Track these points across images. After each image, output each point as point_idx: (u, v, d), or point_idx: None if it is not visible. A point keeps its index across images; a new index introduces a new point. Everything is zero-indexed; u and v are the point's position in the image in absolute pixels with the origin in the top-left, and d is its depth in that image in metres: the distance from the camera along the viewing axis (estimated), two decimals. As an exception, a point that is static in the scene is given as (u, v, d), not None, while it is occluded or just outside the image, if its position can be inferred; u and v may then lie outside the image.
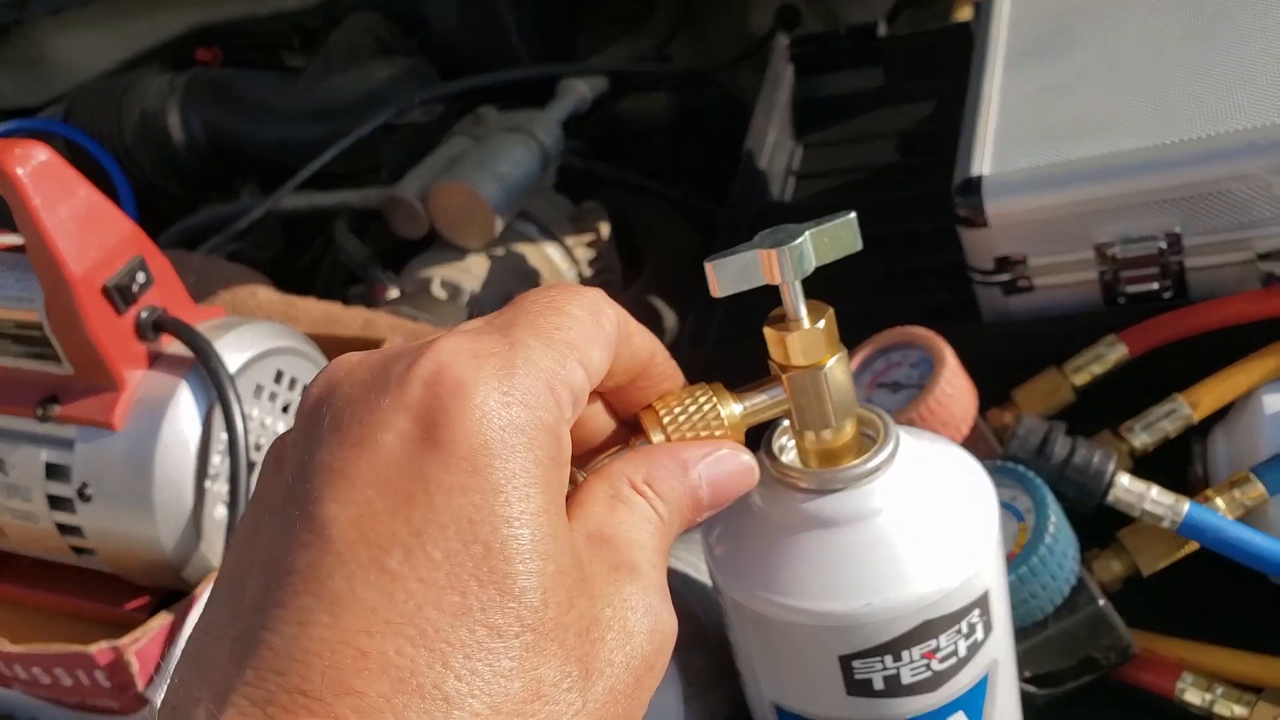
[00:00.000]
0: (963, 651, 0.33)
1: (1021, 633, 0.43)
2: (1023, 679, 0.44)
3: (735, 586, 0.34)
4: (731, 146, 0.81)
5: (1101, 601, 0.43)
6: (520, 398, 0.24)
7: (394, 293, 0.87)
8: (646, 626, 0.25)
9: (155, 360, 0.53)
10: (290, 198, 0.96)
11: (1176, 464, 0.50)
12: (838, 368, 0.31)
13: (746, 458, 0.30)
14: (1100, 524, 0.47)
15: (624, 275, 0.96)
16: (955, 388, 0.48)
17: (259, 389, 0.55)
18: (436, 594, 0.22)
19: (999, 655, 0.35)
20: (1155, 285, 0.54)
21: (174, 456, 0.51)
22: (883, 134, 0.80)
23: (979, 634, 0.34)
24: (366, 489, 0.23)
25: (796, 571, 0.32)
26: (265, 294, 0.77)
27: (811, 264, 0.30)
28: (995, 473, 0.45)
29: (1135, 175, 0.52)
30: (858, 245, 0.30)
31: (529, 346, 0.25)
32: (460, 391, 0.23)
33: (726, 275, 0.30)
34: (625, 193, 0.98)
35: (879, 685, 0.33)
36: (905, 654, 0.32)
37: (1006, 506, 0.44)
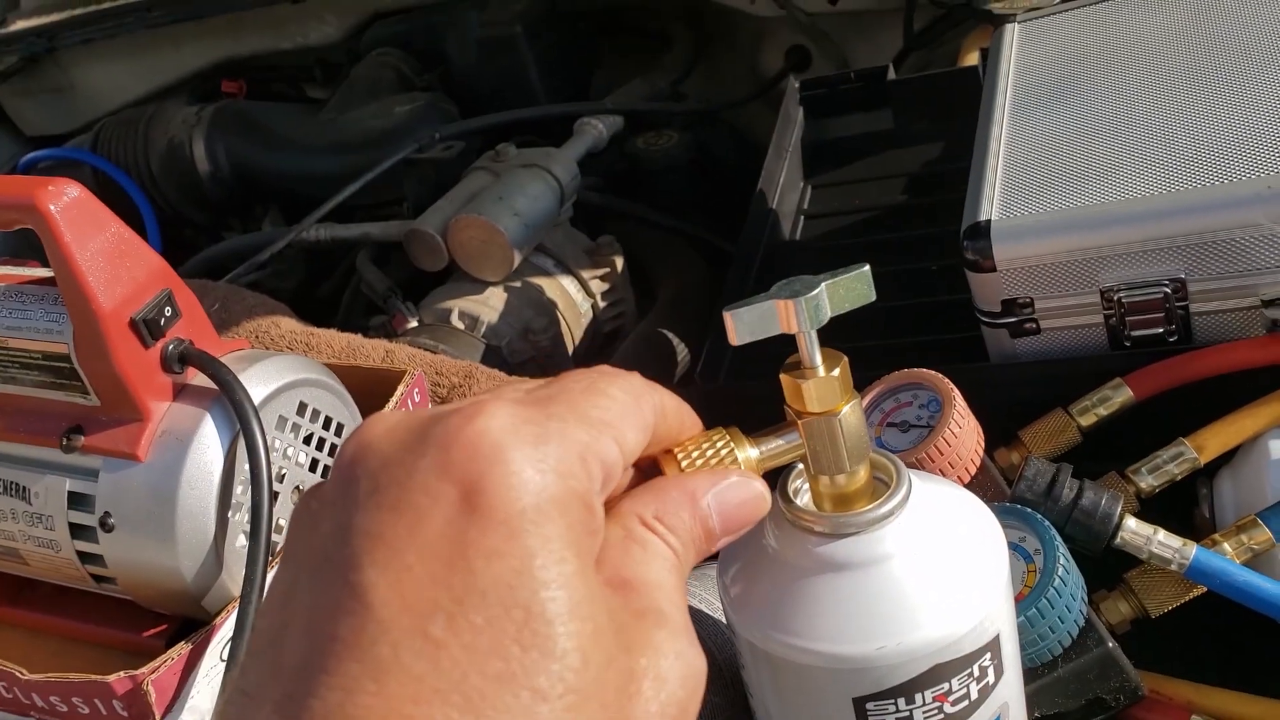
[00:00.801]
0: (974, 694, 0.34)
1: (1030, 674, 0.44)
2: None
3: (750, 628, 0.34)
4: (743, 182, 0.82)
5: (1110, 643, 0.44)
6: (554, 465, 0.25)
7: (413, 323, 0.88)
8: (679, 672, 0.26)
9: (180, 392, 0.54)
10: (313, 229, 0.98)
11: (1181, 507, 0.51)
12: (852, 414, 0.32)
13: (758, 485, 0.30)
14: (1108, 566, 0.47)
15: (637, 308, 0.97)
16: (963, 428, 0.49)
17: (282, 420, 0.56)
18: (481, 660, 0.22)
19: (1009, 698, 0.35)
20: (1160, 330, 0.55)
21: (197, 488, 0.52)
22: (891, 175, 0.81)
23: (990, 677, 0.34)
24: (406, 554, 0.23)
25: (810, 614, 0.33)
26: (288, 324, 0.78)
27: (827, 314, 0.31)
28: (1003, 514, 0.46)
29: (1141, 222, 0.53)
30: (871, 296, 0.31)
31: (564, 419, 0.26)
32: (498, 458, 0.24)
33: (744, 324, 0.30)
34: (640, 228, 1.00)
35: None
36: (918, 697, 0.33)
37: (1014, 548, 0.45)
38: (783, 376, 0.32)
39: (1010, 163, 0.60)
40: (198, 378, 0.54)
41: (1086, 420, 0.53)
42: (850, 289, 0.31)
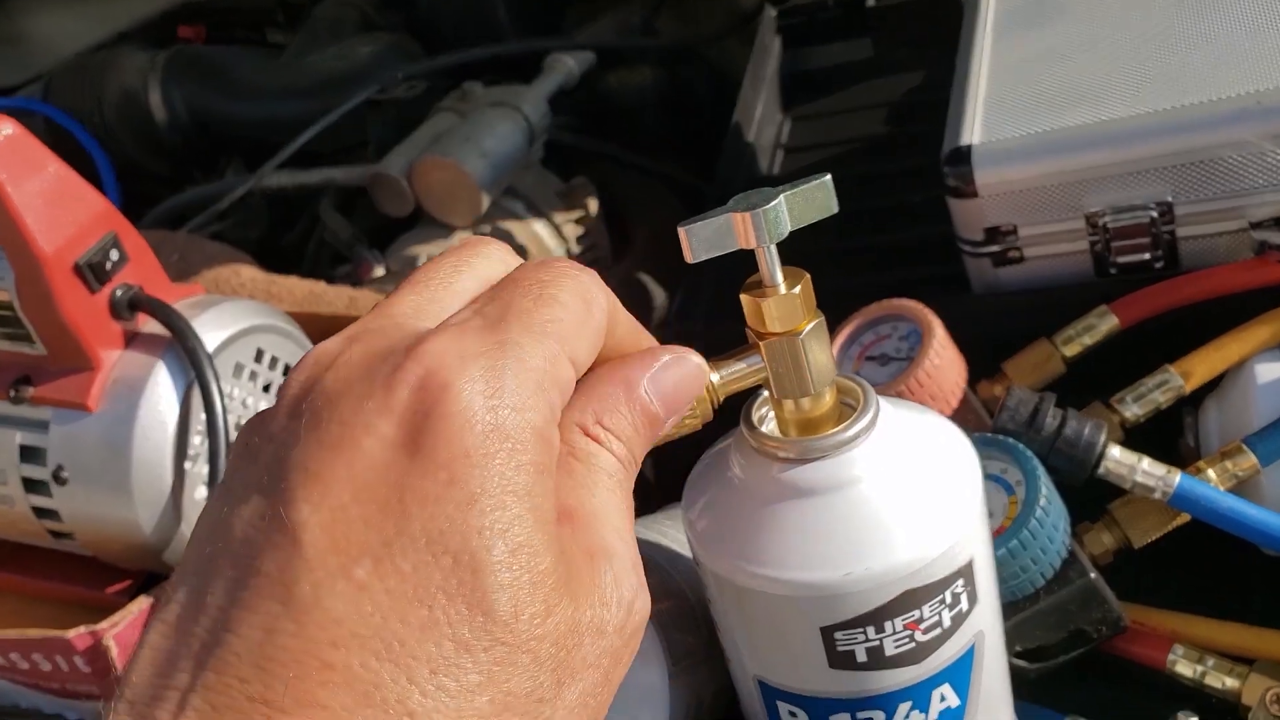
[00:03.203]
0: (947, 623, 0.33)
1: (1011, 607, 0.43)
2: (1013, 653, 0.43)
3: (716, 560, 0.33)
4: (720, 120, 0.80)
5: (1093, 574, 0.43)
6: (509, 401, 0.23)
7: (380, 271, 0.86)
8: (619, 620, 0.24)
9: (131, 340, 0.52)
10: (274, 176, 0.95)
11: (1168, 435, 0.50)
12: (815, 334, 0.31)
13: (693, 358, 0.29)
14: (1091, 496, 0.46)
15: (613, 251, 0.95)
16: (944, 359, 0.47)
17: (239, 368, 0.54)
18: (404, 607, 0.22)
19: (985, 627, 0.34)
20: (1147, 255, 0.53)
21: (152, 437, 0.50)
22: (872, 105, 0.79)
23: (964, 605, 0.33)
24: (342, 494, 0.22)
25: (777, 542, 0.32)
26: (248, 273, 0.76)
27: (786, 227, 0.29)
28: (985, 445, 0.44)
29: (1126, 143, 0.51)
30: (834, 207, 0.30)
31: (520, 345, 0.24)
32: (445, 396, 0.23)
33: (700, 240, 0.29)
34: (613, 168, 0.97)
35: (862, 657, 0.32)
36: (888, 625, 0.32)
37: (996, 479, 0.44)
38: (742, 296, 0.31)
39: (993, 85, 0.58)
40: (150, 325, 0.53)
41: (1071, 350, 0.52)
42: (811, 199, 0.29)
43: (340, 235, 0.91)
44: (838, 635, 0.32)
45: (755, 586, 0.32)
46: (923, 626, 0.32)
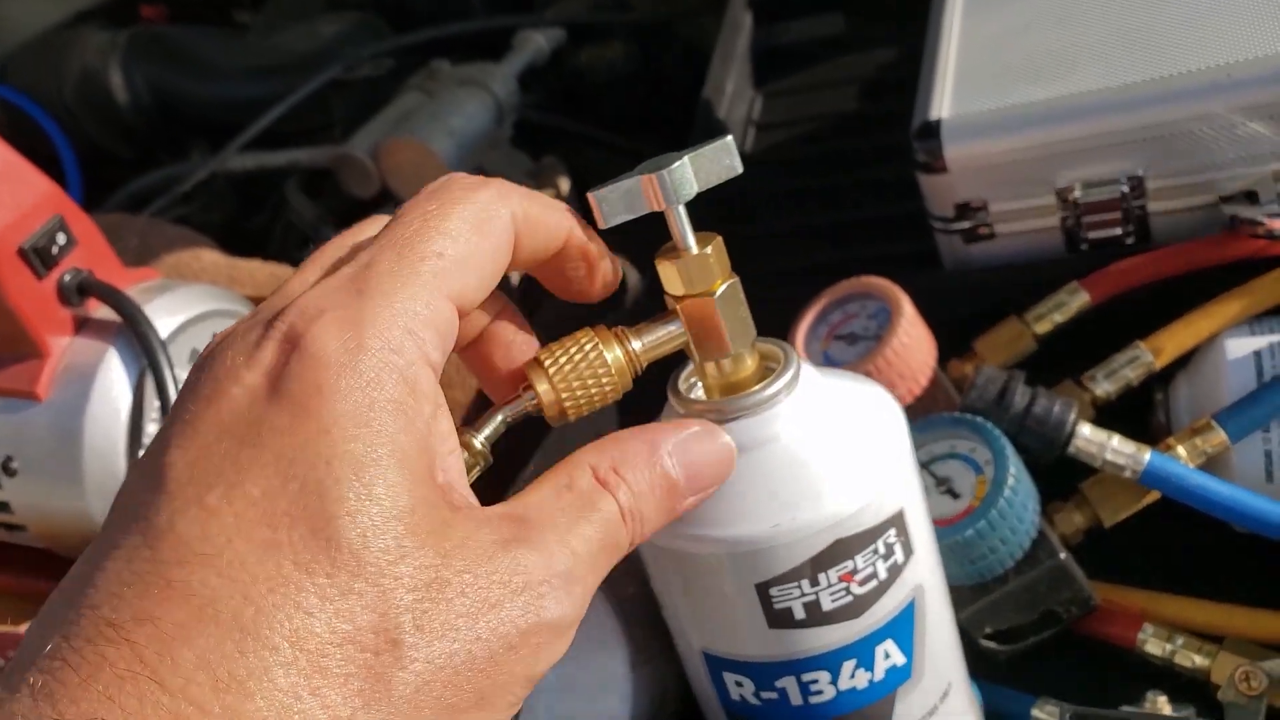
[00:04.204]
0: (883, 574, 0.32)
1: (981, 589, 0.42)
2: (983, 636, 0.43)
3: None
4: (693, 97, 0.78)
5: (1063, 555, 0.42)
6: (367, 343, 0.24)
7: (346, 254, 0.85)
8: (519, 608, 0.24)
9: (82, 326, 0.50)
10: (238, 158, 0.93)
11: (1139, 412, 0.49)
12: (730, 294, 0.31)
13: (724, 438, 0.30)
14: (1061, 475, 0.46)
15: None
16: (912, 338, 0.47)
17: (194, 354, 0.53)
18: (249, 528, 0.22)
19: (924, 581, 0.34)
20: (1118, 230, 0.52)
21: (103, 426, 0.49)
22: (844, 81, 0.78)
23: (899, 555, 0.33)
24: (208, 436, 0.23)
25: (705, 503, 0.31)
26: (210, 257, 0.75)
27: (693, 187, 0.30)
28: (952, 424, 0.44)
29: (1097, 116, 0.50)
30: (737, 168, 0.30)
31: (383, 290, 0.24)
32: (302, 342, 0.24)
33: (610, 205, 0.29)
34: (585, 147, 0.96)
35: (800, 614, 0.32)
36: (822, 577, 0.32)
37: (965, 459, 0.43)
38: (657, 261, 0.31)
39: (963, 59, 0.57)
40: (102, 310, 0.51)
41: (1042, 327, 0.51)
42: (714, 160, 0.30)
43: (306, 217, 0.89)
44: (773, 592, 0.32)
45: (688, 549, 0.32)
46: (858, 578, 0.32)
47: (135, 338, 0.48)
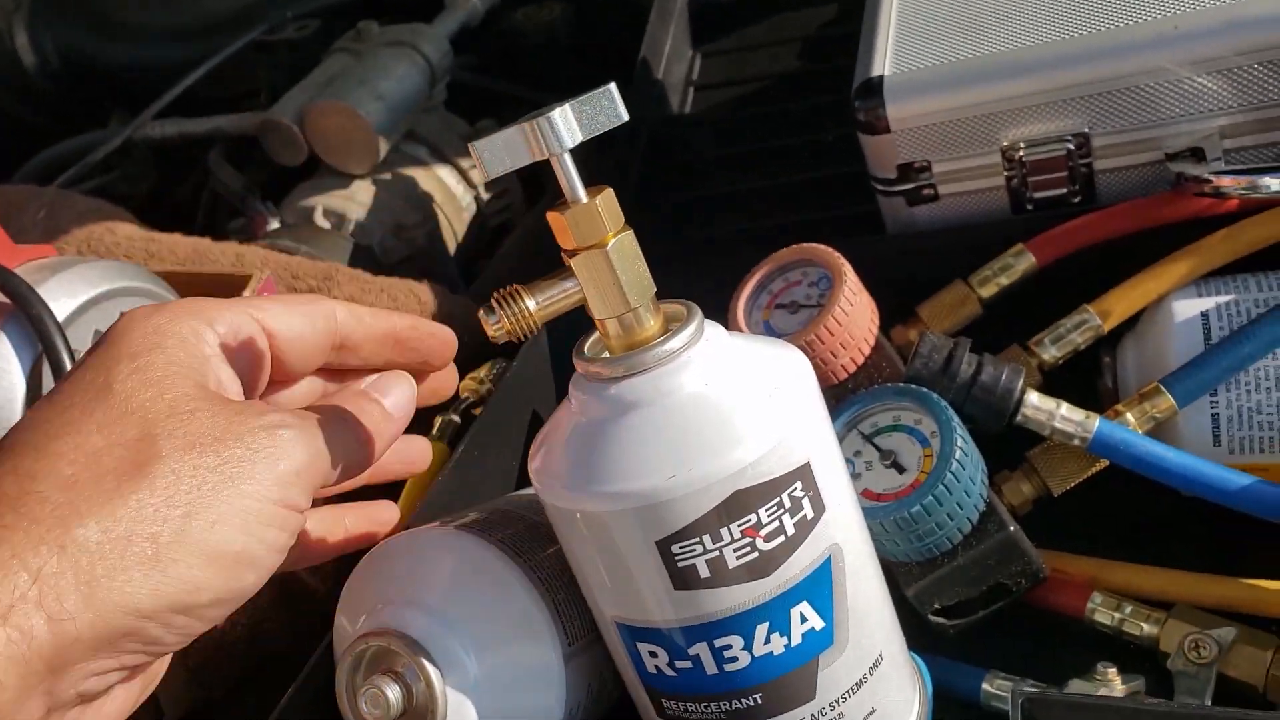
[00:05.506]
0: (791, 530, 0.31)
1: (929, 564, 0.41)
2: (931, 611, 0.42)
3: (550, 491, 0.32)
4: (632, 58, 0.76)
5: (1012, 528, 0.41)
6: (164, 313, 0.33)
7: (275, 224, 0.81)
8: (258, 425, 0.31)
9: (-26, 310, 0.47)
10: (158, 124, 0.89)
11: (1086, 376, 0.48)
12: (622, 244, 0.31)
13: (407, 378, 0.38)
14: (1007, 442, 0.45)
15: (525, 197, 0.91)
16: (855, 305, 0.45)
17: (98, 336, 0.50)
18: (57, 412, 0.30)
19: (841, 539, 0.33)
20: (1064, 190, 0.51)
21: None
22: (785, 40, 0.76)
23: (807, 510, 0.31)
24: (60, 391, 0.31)
25: (604, 460, 0.31)
26: (125, 230, 0.71)
27: (576, 135, 0.30)
28: (896, 396, 0.42)
29: (1042, 71, 0.49)
30: (622, 116, 0.30)
31: (196, 300, 0.34)
32: (125, 321, 0.33)
33: (492, 155, 0.30)
34: (522, 110, 0.93)
35: (704, 572, 0.31)
36: (724, 532, 0.30)
37: (910, 430, 0.42)
38: (548, 214, 0.31)
39: (904, 13, 0.55)
40: (-5, 292, 0.48)
41: (987, 291, 0.50)
42: (597, 107, 0.30)
43: (231, 187, 0.86)
44: (675, 549, 0.30)
45: (588, 508, 0.31)
46: (763, 533, 0.31)
47: (28, 320, 0.45)
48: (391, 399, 0.36)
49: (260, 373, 0.35)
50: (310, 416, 0.32)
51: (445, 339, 0.39)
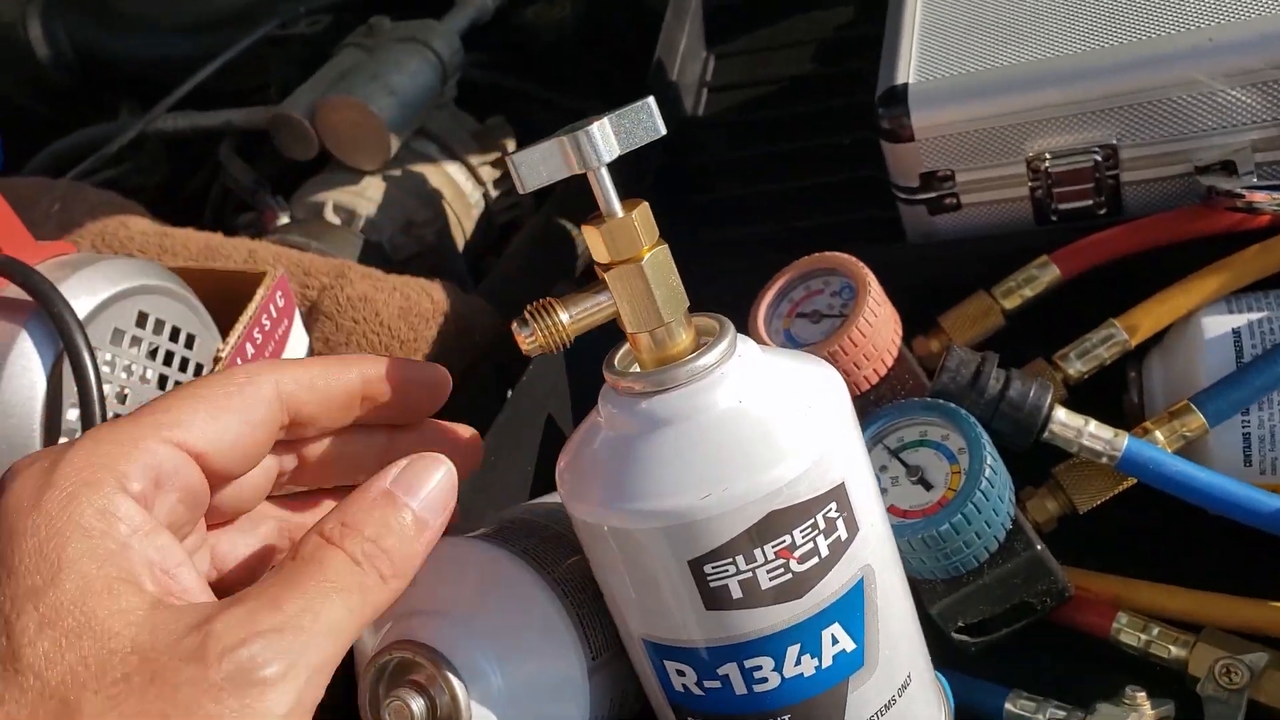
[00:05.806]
0: (825, 551, 0.31)
1: (954, 581, 0.41)
2: (955, 629, 0.41)
3: (579, 506, 0.32)
4: (643, 56, 0.75)
5: (1039, 546, 0.41)
6: (56, 482, 0.26)
7: (284, 219, 0.81)
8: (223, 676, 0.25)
9: (-11, 307, 0.46)
10: (169, 118, 0.88)
11: (1110, 390, 0.48)
12: (657, 258, 0.31)
13: (436, 456, 0.30)
14: (1030, 459, 0.44)
15: (533, 197, 0.91)
16: (878, 316, 0.45)
17: (118, 334, 0.49)
18: None
19: (873, 561, 0.32)
20: (1090, 202, 0.51)
21: (16, 414, 0.45)
22: (801, 41, 0.75)
23: (841, 531, 0.31)
24: None
25: (636, 477, 0.30)
26: (138, 224, 0.70)
27: (614, 149, 0.29)
28: (924, 410, 0.42)
29: (1071, 82, 0.48)
30: (660, 130, 0.30)
31: (89, 445, 0.27)
32: (4, 498, 0.27)
33: (529, 168, 0.29)
34: (533, 108, 0.93)
35: (737, 593, 0.30)
36: (758, 553, 0.30)
37: (937, 447, 0.41)
38: (584, 228, 0.31)
39: (929, 20, 0.54)
40: (11, 289, 0.47)
41: (1011, 302, 0.49)
42: (635, 121, 0.30)
43: (242, 181, 0.85)
44: (708, 569, 0.30)
45: (620, 525, 0.30)
46: (797, 554, 0.30)
47: (50, 318, 0.45)
48: (421, 499, 0.29)
49: (198, 511, 0.30)
50: (300, 610, 0.25)
51: (433, 382, 0.33)
